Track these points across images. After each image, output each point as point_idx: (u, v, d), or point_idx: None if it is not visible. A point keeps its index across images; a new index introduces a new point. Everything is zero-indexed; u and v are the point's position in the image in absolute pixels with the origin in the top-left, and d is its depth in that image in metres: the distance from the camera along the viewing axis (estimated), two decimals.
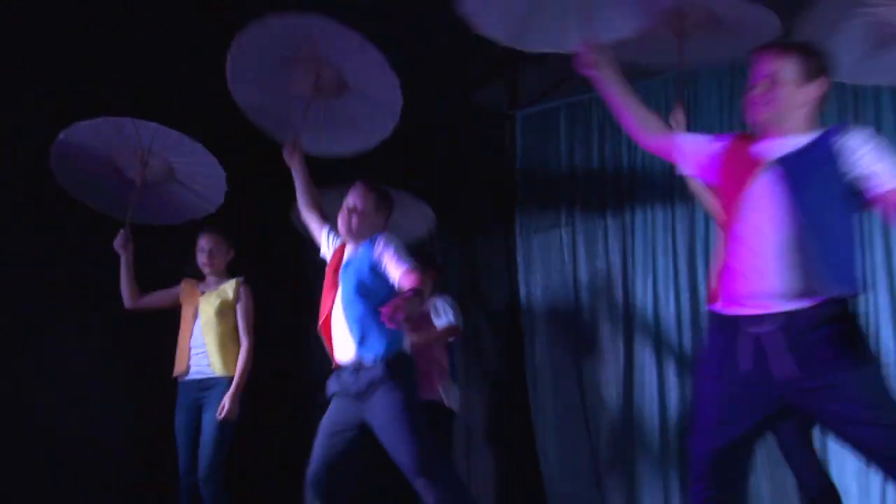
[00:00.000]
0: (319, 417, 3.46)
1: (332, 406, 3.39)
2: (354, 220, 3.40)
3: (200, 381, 4.27)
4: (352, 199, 3.43)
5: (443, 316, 4.56)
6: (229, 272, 4.46)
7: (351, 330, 3.29)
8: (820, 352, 2.18)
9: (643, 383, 5.23)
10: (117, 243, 4.24)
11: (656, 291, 5.22)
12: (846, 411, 2.16)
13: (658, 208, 5.26)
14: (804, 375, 2.17)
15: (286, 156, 3.78)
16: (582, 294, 5.50)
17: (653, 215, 5.28)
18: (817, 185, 2.27)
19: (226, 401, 4.13)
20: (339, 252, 3.49)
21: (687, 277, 5.11)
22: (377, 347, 3.27)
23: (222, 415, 4.11)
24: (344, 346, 3.33)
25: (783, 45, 2.49)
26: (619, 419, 5.29)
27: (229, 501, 4.19)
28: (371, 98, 3.94)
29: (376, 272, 3.32)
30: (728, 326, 2.32)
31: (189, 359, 4.29)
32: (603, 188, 5.53)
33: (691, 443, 2.39)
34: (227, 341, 4.28)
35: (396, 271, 3.23)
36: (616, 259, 5.40)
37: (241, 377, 4.21)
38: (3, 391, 4.42)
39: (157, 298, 4.46)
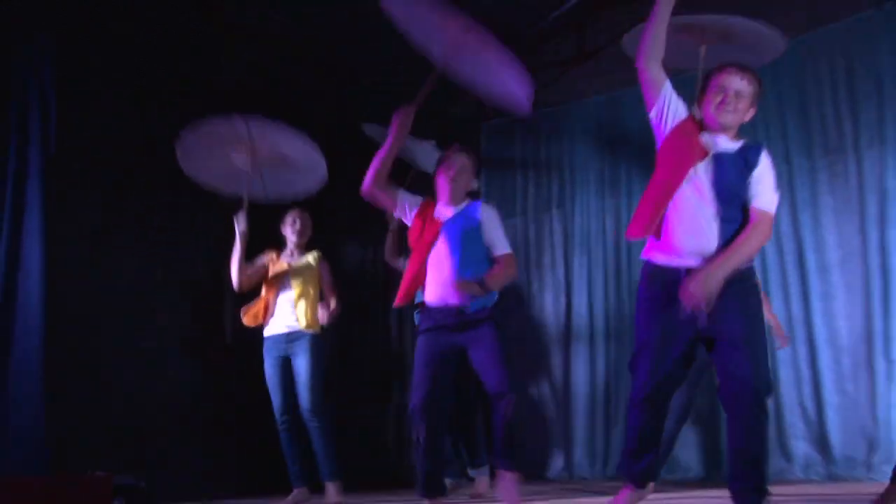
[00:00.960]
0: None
1: (424, 341, 3.66)
2: (463, 179, 3.76)
3: (288, 334, 4.79)
4: (461, 160, 3.77)
5: None
6: (308, 247, 4.99)
7: (460, 273, 3.58)
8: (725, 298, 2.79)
9: (578, 346, 6.46)
10: (239, 225, 4.59)
11: (591, 267, 6.51)
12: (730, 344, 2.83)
13: (593, 199, 6.56)
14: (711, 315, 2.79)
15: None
16: (531, 272, 6.79)
17: (588, 205, 6.60)
18: (734, 181, 2.89)
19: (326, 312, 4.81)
20: (428, 208, 3.76)
21: (614, 255, 6.39)
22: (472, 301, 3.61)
23: (325, 320, 4.79)
24: (439, 292, 3.65)
25: (754, 71, 2.99)
26: (560, 384, 6.47)
27: (335, 432, 4.76)
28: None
29: (479, 234, 3.69)
30: (666, 274, 2.91)
31: (279, 317, 4.84)
32: (549, 184, 6.84)
33: (637, 369, 2.99)
34: (311, 301, 4.82)
35: (497, 248, 3.70)
36: (559, 240, 6.73)
37: (335, 312, 4.88)
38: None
39: (255, 275, 4.87)
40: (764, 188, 2.91)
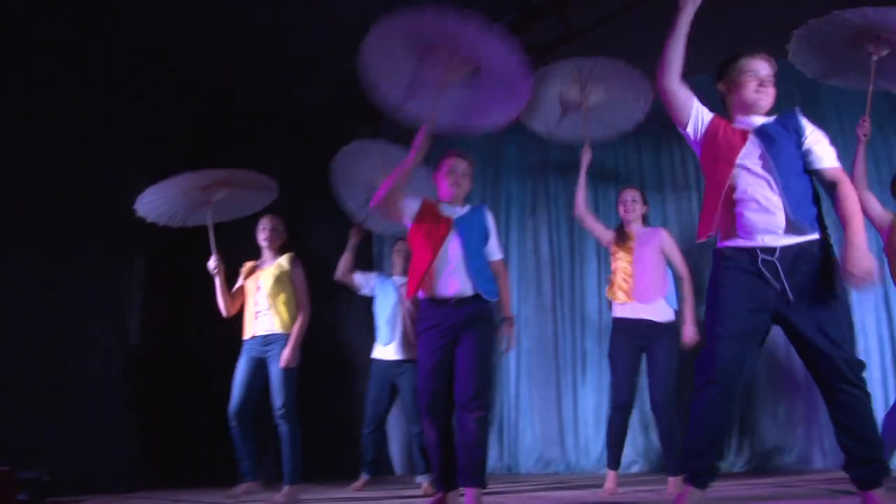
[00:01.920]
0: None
1: (427, 339, 3.80)
2: (466, 182, 3.97)
3: (265, 337, 4.85)
4: (463, 166, 3.95)
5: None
6: (282, 250, 5.07)
7: (468, 270, 3.79)
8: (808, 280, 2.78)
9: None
10: (211, 267, 4.86)
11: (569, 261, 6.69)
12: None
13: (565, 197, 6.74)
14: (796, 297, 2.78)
15: (426, 131, 3.87)
16: None
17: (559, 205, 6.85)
18: (785, 147, 2.90)
19: (286, 352, 4.72)
20: (431, 209, 3.93)
21: (568, 242, 6.74)
22: (491, 287, 3.86)
23: (284, 364, 4.70)
24: (451, 283, 3.79)
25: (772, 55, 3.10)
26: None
27: (301, 436, 4.76)
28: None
29: (487, 236, 3.93)
30: (742, 255, 2.88)
31: (255, 321, 4.90)
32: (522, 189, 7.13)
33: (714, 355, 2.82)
34: (286, 304, 4.89)
35: (495, 253, 3.96)
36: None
37: (299, 332, 4.82)
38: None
39: (240, 297, 5.02)
40: (823, 147, 2.93)
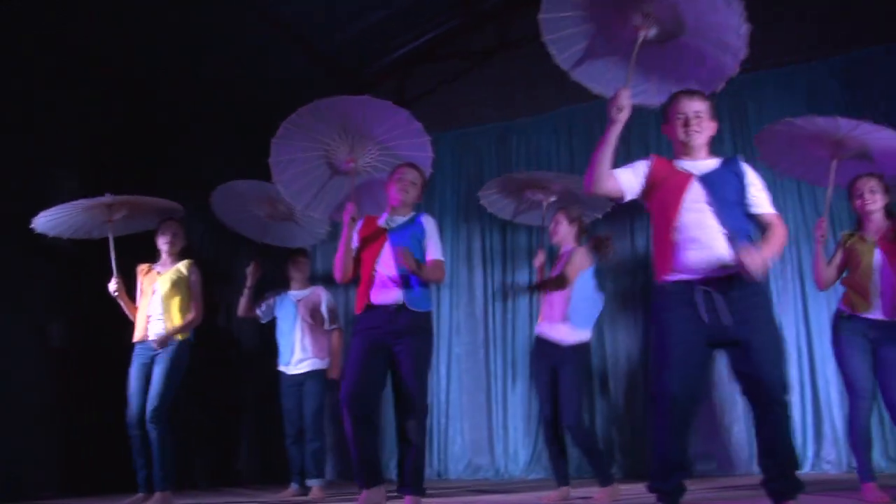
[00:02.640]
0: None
1: (359, 338, 3.90)
2: (413, 190, 4.12)
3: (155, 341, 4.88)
4: (411, 175, 4.12)
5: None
6: (182, 256, 5.11)
7: (401, 278, 3.89)
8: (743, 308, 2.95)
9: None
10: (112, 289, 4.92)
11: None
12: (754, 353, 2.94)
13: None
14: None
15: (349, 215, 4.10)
16: None
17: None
18: (728, 193, 3.06)
19: (163, 336, 4.81)
20: (370, 222, 4.10)
21: (501, 249, 6.86)
22: (420, 297, 3.93)
23: (157, 345, 4.80)
24: (389, 291, 3.90)
25: (699, 90, 3.24)
26: None
27: (172, 442, 4.77)
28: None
29: (423, 241, 4.01)
30: (681, 288, 3.00)
31: (148, 325, 4.90)
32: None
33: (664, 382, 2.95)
34: (180, 309, 4.92)
35: (432, 252, 4.01)
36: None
37: (183, 325, 4.88)
38: None
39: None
40: (760, 192, 3.13)
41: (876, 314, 3.95)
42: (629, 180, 3.14)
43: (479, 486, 5.69)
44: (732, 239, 2.97)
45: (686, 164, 3.15)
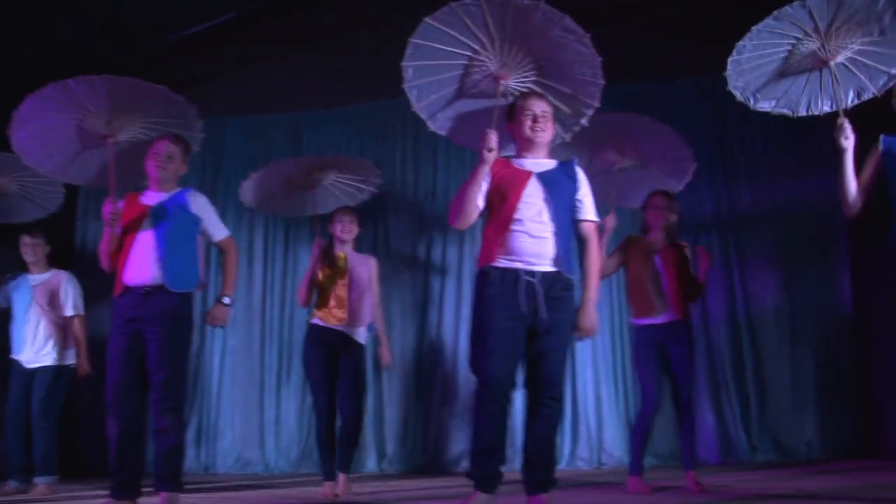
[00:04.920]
0: None
1: (115, 332, 3.69)
2: (171, 165, 3.85)
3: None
4: (168, 149, 3.85)
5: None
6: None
7: (160, 260, 3.68)
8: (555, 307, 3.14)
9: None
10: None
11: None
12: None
13: None
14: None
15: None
16: None
17: None
18: (563, 193, 3.25)
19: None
20: (132, 199, 3.84)
21: (283, 241, 6.78)
22: (181, 275, 3.73)
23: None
24: (145, 270, 3.68)
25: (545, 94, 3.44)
26: None
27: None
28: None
29: (189, 218, 3.80)
30: (509, 273, 3.14)
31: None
32: None
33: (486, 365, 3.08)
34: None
35: (217, 233, 3.90)
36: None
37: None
38: None
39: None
40: (587, 198, 3.33)
41: (663, 318, 4.35)
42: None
43: (248, 481, 5.58)
44: (560, 258, 3.18)
45: (526, 162, 3.32)
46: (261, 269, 6.77)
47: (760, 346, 5.93)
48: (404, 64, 3.55)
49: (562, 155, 3.58)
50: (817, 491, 3.96)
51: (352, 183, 5.12)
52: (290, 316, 6.62)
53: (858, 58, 3.62)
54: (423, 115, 3.68)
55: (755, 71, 3.68)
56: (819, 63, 3.61)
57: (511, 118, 3.39)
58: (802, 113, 3.83)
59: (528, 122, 3.30)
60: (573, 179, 3.31)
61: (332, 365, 4.53)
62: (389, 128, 6.65)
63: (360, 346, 4.62)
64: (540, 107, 3.33)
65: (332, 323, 4.57)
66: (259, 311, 6.68)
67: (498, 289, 3.14)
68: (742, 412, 5.85)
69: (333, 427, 4.51)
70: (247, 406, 6.47)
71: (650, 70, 6.07)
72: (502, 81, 3.49)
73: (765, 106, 3.81)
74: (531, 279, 3.13)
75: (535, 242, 3.16)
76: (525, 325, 3.13)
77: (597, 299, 3.30)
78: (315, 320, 4.62)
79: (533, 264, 3.15)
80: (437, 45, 3.50)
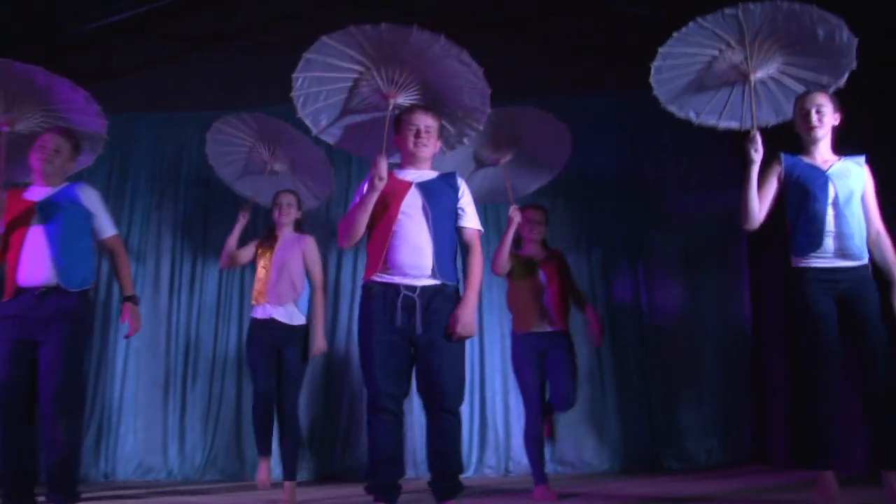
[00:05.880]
0: None
1: (6, 333, 3.55)
2: (58, 159, 3.73)
3: None
4: (54, 142, 3.73)
5: None
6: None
7: (53, 259, 3.57)
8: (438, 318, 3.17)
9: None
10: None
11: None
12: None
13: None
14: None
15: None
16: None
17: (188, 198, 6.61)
18: (443, 203, 3.29)
19: None
20: (15, 196, 3.69)
21: (191, 240, 6.62)
22: (76, 273, 3.61)
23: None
24: (37, 271, 3.56)
25: (434, 109, 3.47)
26: None
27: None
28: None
29: (79, 213, 3.70)
30: (390, 289, 3.18)
31: None
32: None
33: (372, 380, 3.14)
34: None
35: (106, 230, 3.79)
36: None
37: None
38: None
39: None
40: (469, 206, 3.38)
41: (545, 328, 4.42)
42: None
43: (150, 489, 5.43)
44: (441, 270, 3.20)
45: (407, 174, 3.38)
46: (168, 269, 6.59)
47: (667, 358, 6.10)
48: (295, 75, 3.63)
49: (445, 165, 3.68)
50: (714, 493, 4.14)
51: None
52: (197, 317, 6.47)
53: (780, 77, 3.73)
54: (307, 122, 3.77)
55: (677, 80, 3.78)
56: (741, 76, 3.70)
57: (397, 130, 3.44)
58: (726, 125, 3.92)
59: (412, 137, 3.35)
60: (454, 188, 3.35)
61: (264, 346, 4.53)
62: (303, 129, 6.53)
63: (283, 327, 4.53)
64: (424, 122, 3.37)
65: (262, 303, 4.59)
66: (165, 312, 6.50)
67: (379, 302, 3.19)
68: (648, 420, 6.00)
69: (270, 407, 4.47)
70: (150, 411, 6.28)
71: (561, 84, 6.18)
72: (391, 99, 3.56)
73: (691, 116, 3.90)
74: (410, 294, 3.17)
75: (414, 253, 3.20)
76: (405, 339, 3.17)
77: (476, 302, 3.33)
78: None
79: (414, 276, 3.19)
80: (329, 60, 3.58)
